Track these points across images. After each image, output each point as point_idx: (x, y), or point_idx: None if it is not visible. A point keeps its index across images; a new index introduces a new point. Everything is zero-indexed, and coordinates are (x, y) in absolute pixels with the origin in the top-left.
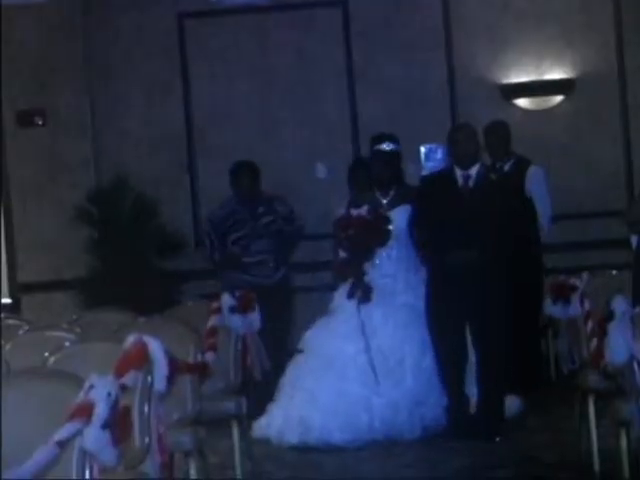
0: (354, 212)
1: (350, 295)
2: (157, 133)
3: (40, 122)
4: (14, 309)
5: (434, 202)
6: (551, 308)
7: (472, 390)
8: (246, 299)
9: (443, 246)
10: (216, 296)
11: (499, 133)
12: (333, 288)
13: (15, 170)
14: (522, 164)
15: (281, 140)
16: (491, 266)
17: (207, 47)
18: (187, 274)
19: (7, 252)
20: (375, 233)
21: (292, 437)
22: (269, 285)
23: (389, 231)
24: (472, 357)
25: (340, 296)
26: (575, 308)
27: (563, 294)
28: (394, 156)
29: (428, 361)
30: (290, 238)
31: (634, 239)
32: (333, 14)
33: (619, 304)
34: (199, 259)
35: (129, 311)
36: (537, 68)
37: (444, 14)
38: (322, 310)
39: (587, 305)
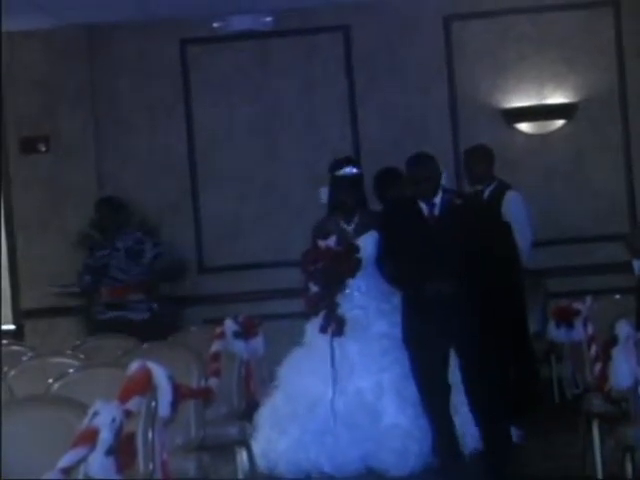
0: (322, 244)
1: (323, 329)
2: (160, 158)
3: (43, 149)
4: (17, 335)
5: (401, 234)
6: (554, 332)
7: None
8: (249, 324)
9: (415, 278)
10: (219, 321)
11: (479, 157)
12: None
13: (18, 196)
14: (502, 189)
15: (283, 165)
16: (466, 292)
17: (210, 73)
18: (190, 299)
19: (10, 278)
20: (346, 264)
21: (283, 474)
22: (101, 321)
23: (359, 260)
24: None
25: (313, 330)
26: (578, 332)
27: (566, 318)
28: (357, 180)
29: (411, 389)
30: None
31: (637, 264)
32: (335, 39)
33: (623, 329)
34: (202, 284)
35: (132, 337)
36: (539, 92)
37: (446, 39)
38: None
39: (590, 329)
